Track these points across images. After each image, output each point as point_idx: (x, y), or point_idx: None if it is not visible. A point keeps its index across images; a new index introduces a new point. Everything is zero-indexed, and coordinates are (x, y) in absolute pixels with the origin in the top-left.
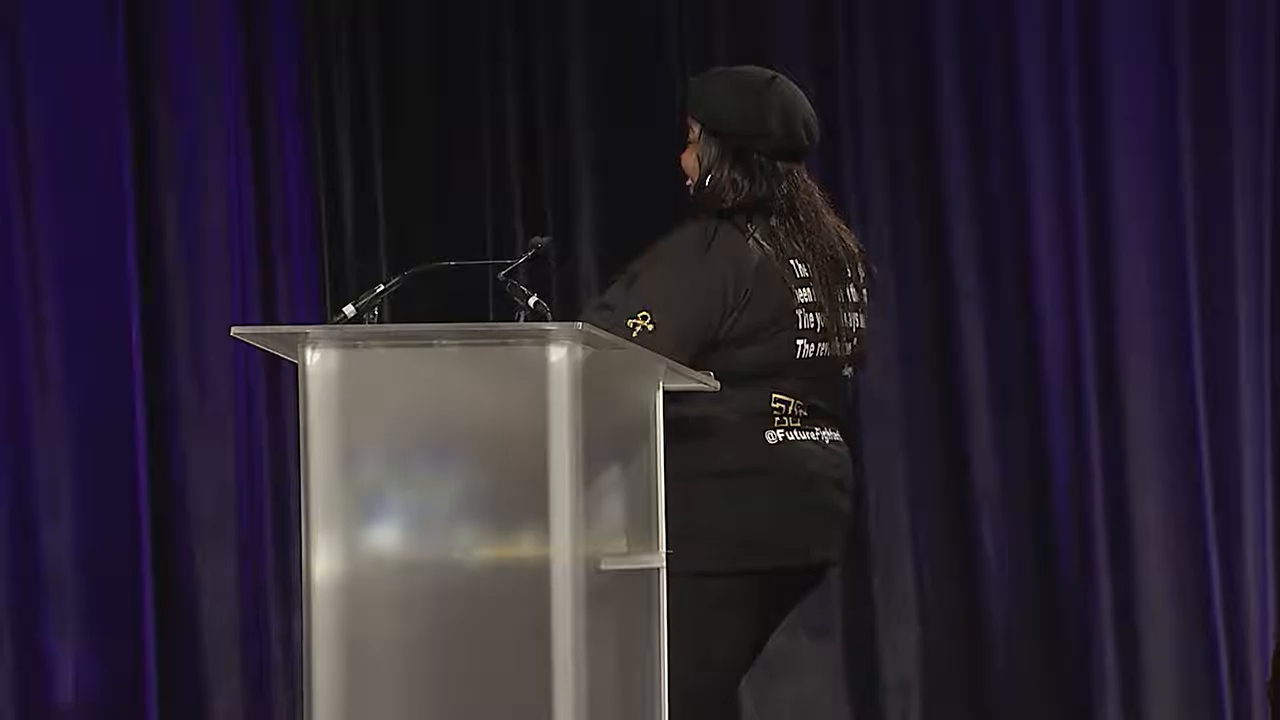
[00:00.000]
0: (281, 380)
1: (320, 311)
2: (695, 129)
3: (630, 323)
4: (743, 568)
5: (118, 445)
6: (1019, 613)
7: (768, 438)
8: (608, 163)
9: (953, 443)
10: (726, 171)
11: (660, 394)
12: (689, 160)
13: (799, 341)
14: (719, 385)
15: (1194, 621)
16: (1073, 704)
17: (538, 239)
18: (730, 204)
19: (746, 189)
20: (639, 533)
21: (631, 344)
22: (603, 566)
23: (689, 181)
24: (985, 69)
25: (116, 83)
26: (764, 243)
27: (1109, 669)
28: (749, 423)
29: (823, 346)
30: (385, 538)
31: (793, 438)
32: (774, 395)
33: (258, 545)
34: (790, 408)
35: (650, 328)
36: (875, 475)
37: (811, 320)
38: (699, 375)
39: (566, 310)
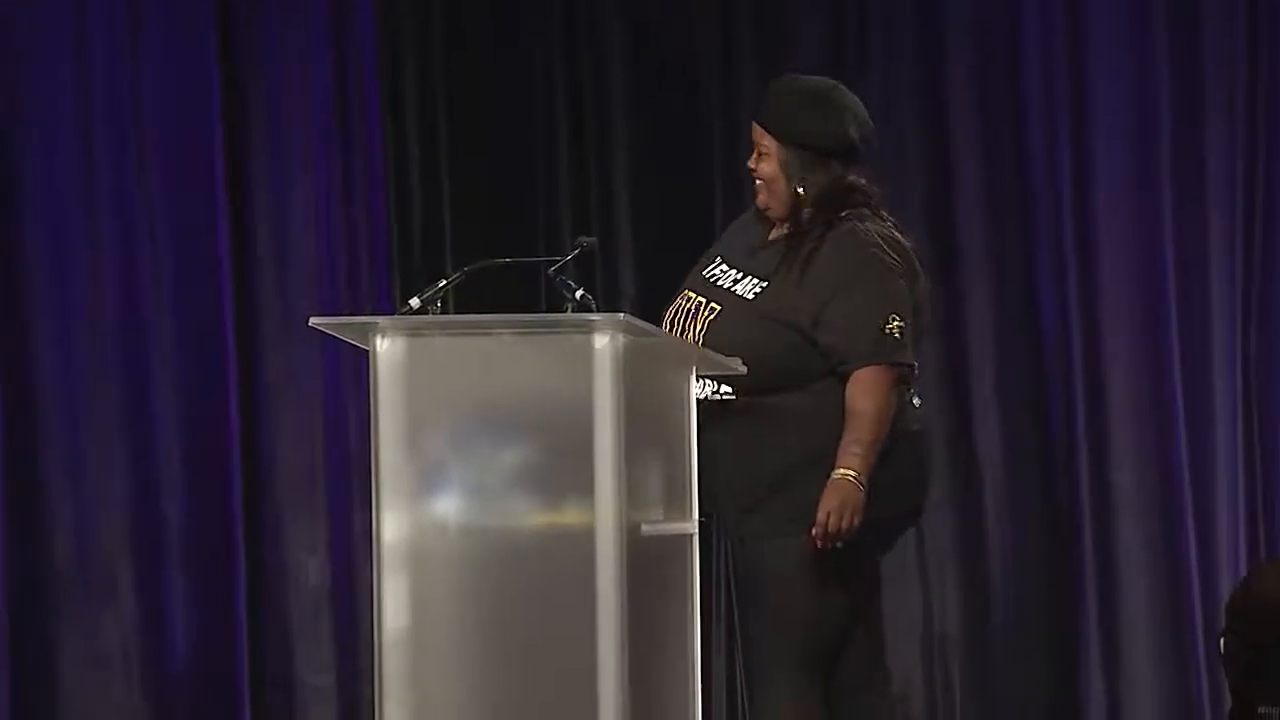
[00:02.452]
0: (362, 363)
1: (390, 303)
2: (767, 140)
3: (889, 329)
4: (906, 511)
5: (215, 425)
6: (1015, 569)
7: (914, 401)
8: (645, 168)
9: (958, 405)
10: (811, 177)
11: (694, 376)
12: (768, 169)
13: (925, 314)
14: (745, 370)
15: (1170, 579)
16: (1060, 652)
17: (583, 239)
18: (845, 208)
19: (834, 192)
20: (675, 501)
21: (666, 335)
22: (643, 532)
23: (759, 184)
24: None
25: (211, 89)
26: (900, 231)
27: (1090, 613)
28: (904, 390)
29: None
30: (447, 507)
31: (919, 402)
32: (914, 365)
33: (342, 514)
34: (916, 375)
35: (900, 325)
36: None
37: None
38: (728, 361)
39: (609, 302)
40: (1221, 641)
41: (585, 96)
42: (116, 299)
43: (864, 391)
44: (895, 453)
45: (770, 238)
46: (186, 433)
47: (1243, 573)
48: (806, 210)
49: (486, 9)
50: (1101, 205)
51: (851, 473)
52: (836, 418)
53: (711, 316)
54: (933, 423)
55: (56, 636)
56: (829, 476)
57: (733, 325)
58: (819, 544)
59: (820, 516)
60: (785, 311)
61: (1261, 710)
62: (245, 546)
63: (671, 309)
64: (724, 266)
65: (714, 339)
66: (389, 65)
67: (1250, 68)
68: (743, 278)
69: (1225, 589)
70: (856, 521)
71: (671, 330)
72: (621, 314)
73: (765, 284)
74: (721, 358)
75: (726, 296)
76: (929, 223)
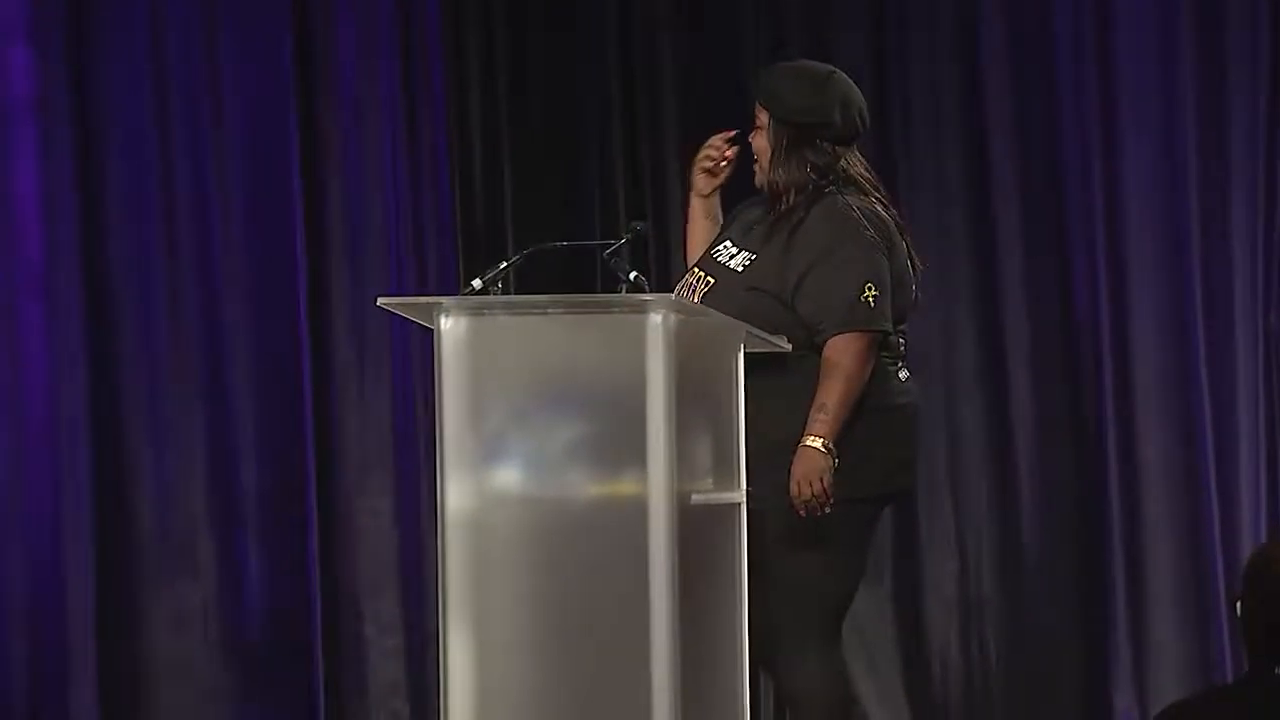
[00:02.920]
0: (427, 341)
1: (454, 284)
2: (764, 116)
3: (863, 297)
4: (895, 488)
5: (290, 398)
6: (1048, 536)
7: (900, 375)
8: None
9: (991, 382)
10: (797, 154)
11: (741, 354)
12: (759, 142)
13: (914, 289)
14: (790, 347)
15: (1193, 541)
16: (1090, 616)
17: (636, 223)
18: (830, 185)
19: (818, 168)
20: (723, 472)
21: (716, 313)
22: (692, 501)
23: (757, 160)
24: None
25: (287, 82)
26: (885, 206)
27: (1118, 582)
28: (889, 363)
29: (917, 294)
30: (507, 477)
31: (905, 375)
32: (900, 340)
33: (410, 483)
34: (905, 349)
35: (875, 294)
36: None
37: (913, 271)
38: (773, 338)
39: (660, 284)
40: (1238, 606)
41: (638, 84)
42: (196, 281)
43: (835, 356)
44: (881, 429)
45: (771, 217)
46: (263, 406)
47: (1263, 540)
48: (794, 186)
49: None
50: (1130, 186)
51: (818, 440)
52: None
53: (706, 290)
54: (919, 397)
55: (140, 599)
56: (843, 446)
57: (723, 297)
58: (801, 514)
59: (792, 489)
60: (770, 281)
61: (1278, 671)
62: (318, 513)
63: (679, 286)
64: (726, 244)
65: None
66: (453, 57)
67: (1273, 36)
68: (738, 253)
69: (1246, 556)
70: (828, 484)
71: None
72: (672, 294)
73: (754, 256)
74: (767, 335)
75: (720, 270)
76: (967, 204)
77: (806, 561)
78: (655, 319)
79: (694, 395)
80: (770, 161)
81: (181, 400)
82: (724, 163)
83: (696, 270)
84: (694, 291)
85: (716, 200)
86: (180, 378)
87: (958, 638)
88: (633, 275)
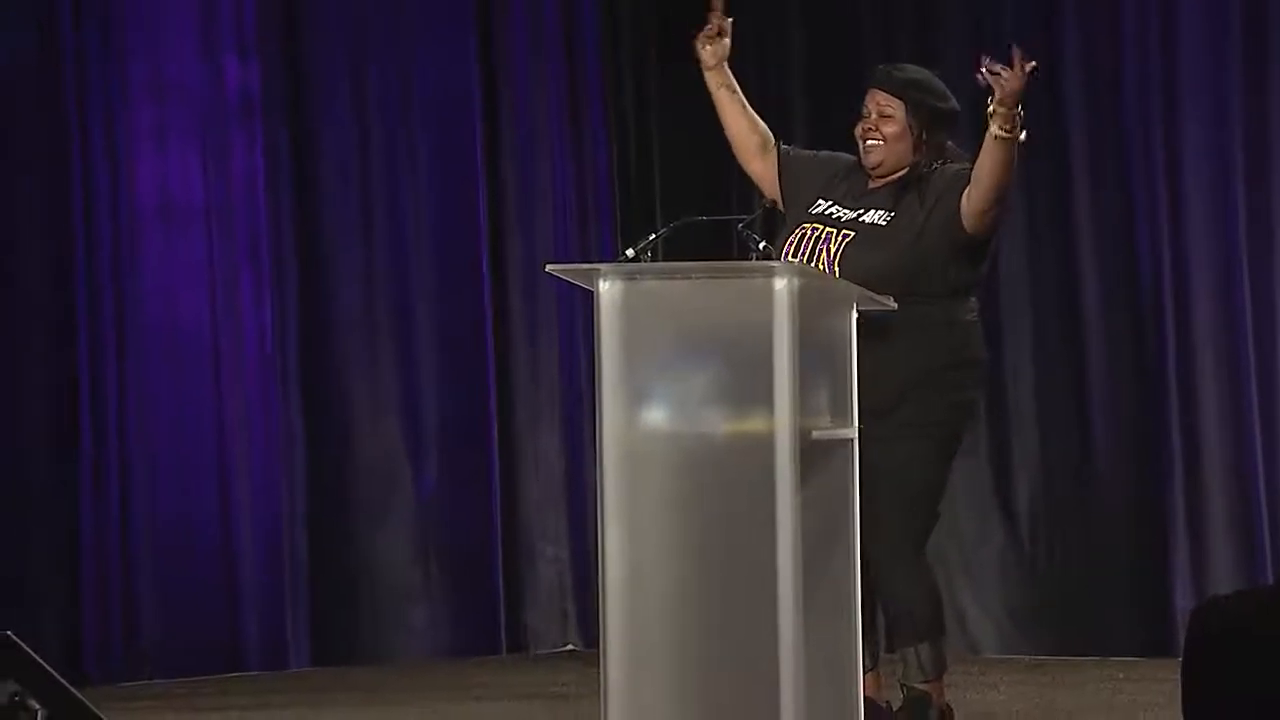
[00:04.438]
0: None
1: (611, 253)
2: (894, 105)
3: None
4: (969, 428)
5: (475, 350)
6: (1117, 451)
7: (980, 330)
8: (819, 137)
9: (1067, 317)
10: (932, 136)
11: (855, 313)
12: (893, 129)
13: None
14: (895, 306)
15: (1240, 470)
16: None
17: (766, 199)
18: (944, 159)
19: (941, 147)
20: (839, 412)
21: (832, 278)
22: (813, 437)
23: (872, 144)
24: None
25: (470, 81)
26: None
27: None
28: (979, 321)
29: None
30: (655, 417)
31: (981, 332)
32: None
33: (574, 423)
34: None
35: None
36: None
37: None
38: (882, 299)
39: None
40: None
41: (769, 75)
42: (391, 251)
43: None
44: (975, 379)
45: (871, 186)
46: (451, 357)
47: None
48: (926, 161)
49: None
50: (1188, 163)
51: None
52: (953, 331)
53: (846, 241)
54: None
55: (350, 515)
56: (942, 386)
57: (868, 248)
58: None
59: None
60: (914, 229)
61: None
62: (499, 446)
63: (791, 240)
64: (836, 207)
65: (850, 261)
66: (610, 58)
67: None
68: (865, 211)
69: None
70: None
71: (796, 257)
72: (786, 245)
73: (892, 214)
74: (876, 296)
75: (856, 225)
76: (1047, 189)
77: (911, 485)
78: (781, 283)
79: (813, 347)
80: (910, 142)
81: (380, 352)
82: (720, 32)
83: (808, 226)
84: (824, 244)
85: (726, 68)
86: (377, 334)
87: (1032, 544)
88: (762, 245)
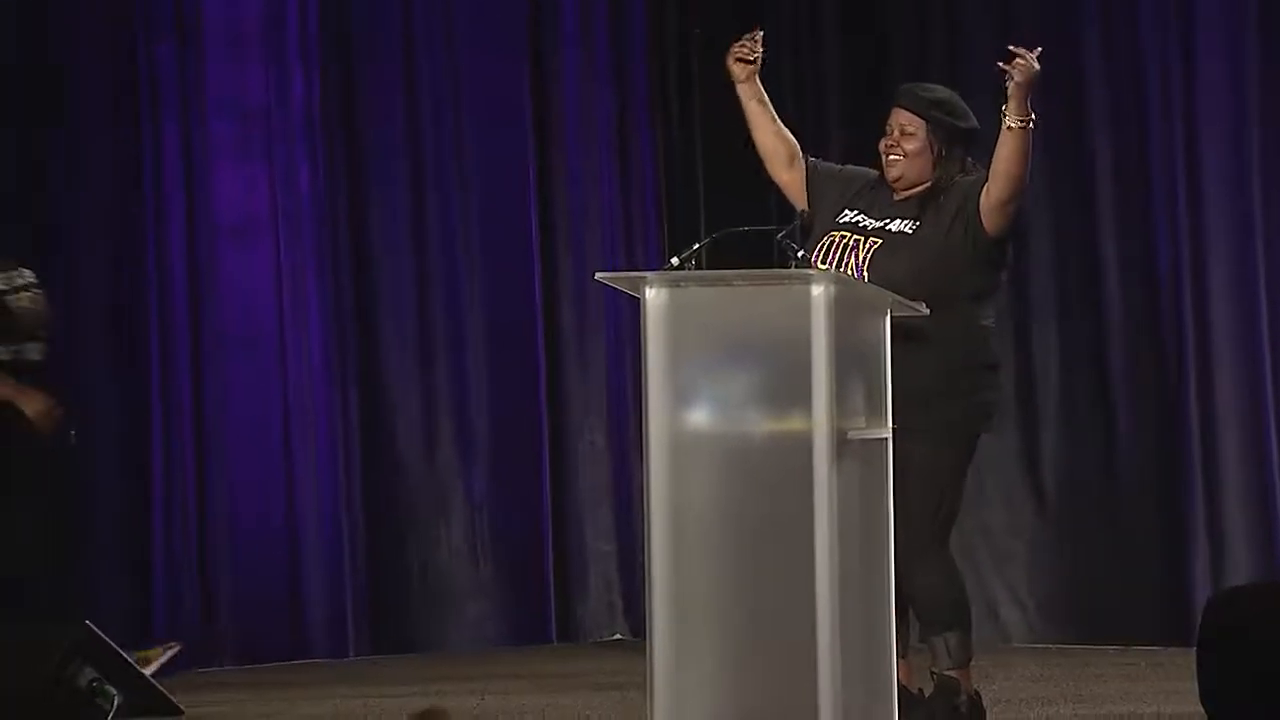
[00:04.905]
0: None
1: (657, 262)
2: (916, 125)
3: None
4: (988, 428)
5: (525, 356)
6: (1137, 419)
7: (994, 336)
8: (856, 150)
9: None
10: (952, 152)
11: (888, 319)
12: (914, 146)
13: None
14: (929, 311)
15: (1257, 448)
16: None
17: (804, 211)
18: (963, 172)
19: (962, 161)
20: (874, 413)
21: (866, 284)
22: (849, 436)
23: (894, 159)
24: None
25: (522, 100)
26: None
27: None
28: (993, 328)
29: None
30: (699, 417)
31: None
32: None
33: (622, 421)
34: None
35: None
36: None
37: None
38: (914, 305)
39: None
40: None
41: (806, 91)
42: (445, 260)
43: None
44: (989, 382)
45: (896, 198)
46: (502, 361)
47: None
48: (948, 176)
49: (730, 9)
50: (1208, 164)
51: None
52: (973, 336)
53: (875, 248)
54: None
55: (403, 512)
56: (963, 389)
57: (895, 255)
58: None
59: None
60: (939, 237)
61: None
62: (549, 445)
63: (820, 247)
64: (862, 216)
65: (879, 267)
66: (657, 79)
67: None
68: (891, 220)
69: None
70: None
71: (826, 263)
72: (816, 250)
73: (917, 223)
74: (909, 302)
75: (883, 234)
76: (1071, 186)
77: (936, 482)
78: (818, 289)
79: (849, 350)
80: (930, 159)
81: (435, 357)
82: (755, 54)
83: (835, 234)
84: (852, 250)
85: (758, 81)
86: (433, 340)
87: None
88: (800, 254)
